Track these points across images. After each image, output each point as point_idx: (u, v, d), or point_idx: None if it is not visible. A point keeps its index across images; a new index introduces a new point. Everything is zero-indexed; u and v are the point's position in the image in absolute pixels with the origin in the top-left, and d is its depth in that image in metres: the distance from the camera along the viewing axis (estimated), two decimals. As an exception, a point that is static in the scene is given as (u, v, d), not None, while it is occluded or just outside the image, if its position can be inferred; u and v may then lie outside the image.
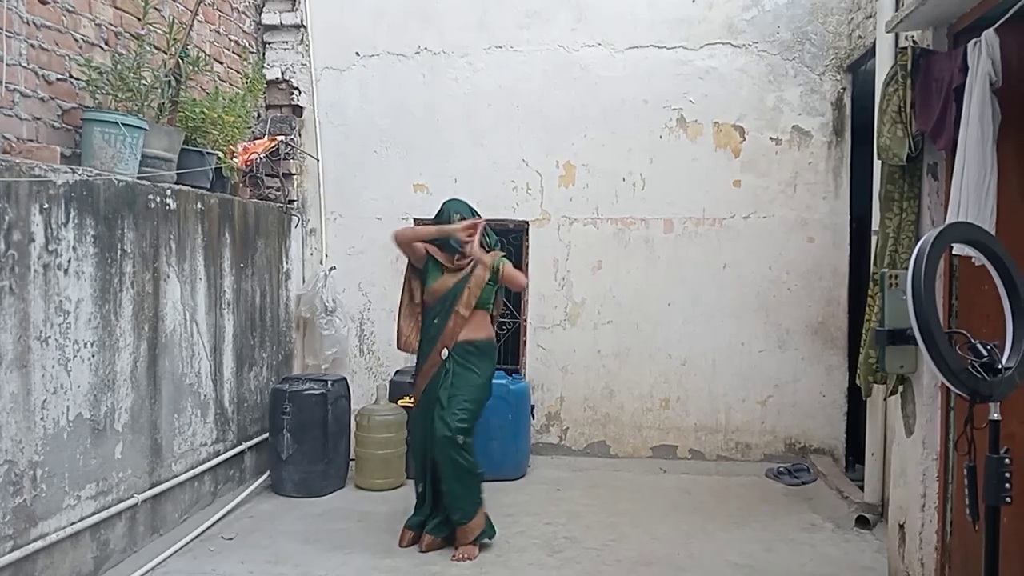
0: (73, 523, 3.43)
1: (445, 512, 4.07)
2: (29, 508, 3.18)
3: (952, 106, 3.04)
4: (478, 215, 4.31)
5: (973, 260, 2.80)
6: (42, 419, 3.25)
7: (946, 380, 1.89)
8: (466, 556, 3.98)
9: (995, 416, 1.94)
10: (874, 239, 3.80)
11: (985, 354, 1.91)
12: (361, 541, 4.21)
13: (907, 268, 1.93)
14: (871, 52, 4.75)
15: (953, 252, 2.44)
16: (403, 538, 4.16)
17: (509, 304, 6.00)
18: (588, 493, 5.05)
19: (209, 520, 4.34)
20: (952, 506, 3.23)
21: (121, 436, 3.78)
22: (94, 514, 3.57)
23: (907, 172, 3.41)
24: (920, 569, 3.29)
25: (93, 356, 3.57)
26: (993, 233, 2.53)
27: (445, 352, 4.12)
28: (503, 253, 4.32)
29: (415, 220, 5.86)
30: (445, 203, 4.36)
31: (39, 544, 3.21)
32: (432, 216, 4.45)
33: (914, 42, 3.46)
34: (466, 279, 4.15)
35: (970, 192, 2.84)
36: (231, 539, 4.21)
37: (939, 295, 3.18)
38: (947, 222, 2.97)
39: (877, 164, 3.91)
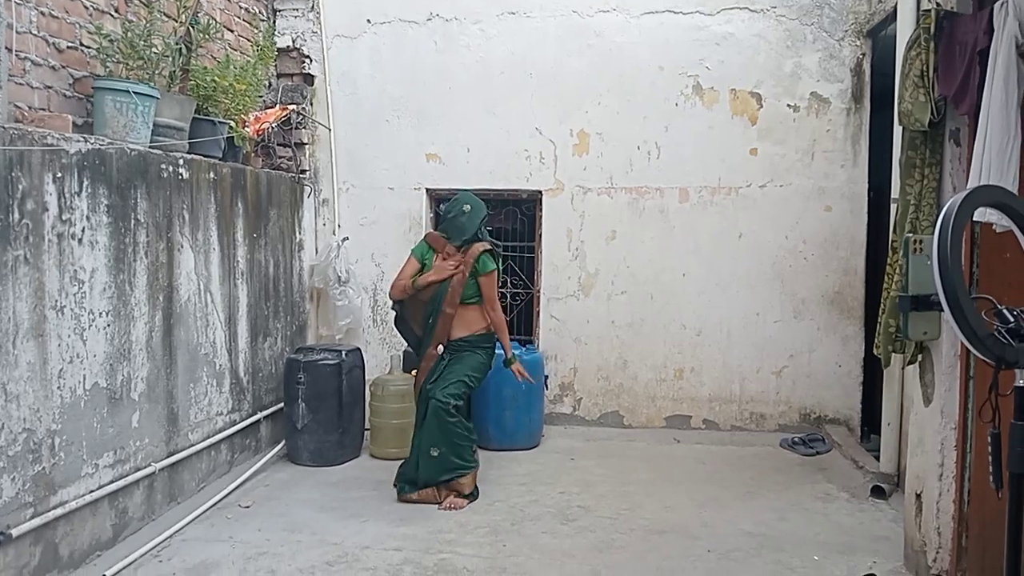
0: (92, 491, 3.47)
1: (431, 472, 4.28)
2: (48, 476, 3.21)
3: (976, 70, 2.96)
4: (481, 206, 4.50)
5: (995, 227, 2.75)
6: (59, 388, 3.27)
7: (971, 346, 1.85)
8: (454, 506, 4.23)
9: (1021, 383, 1.90)
10: (894, 207, 3.73)
11: (1012, 320, 1.87)
12: (376, 509, 4.24)
13: (931, 234, 1.89)
14: (891, 16, 4.65)
15: (974, 219, 2.40)
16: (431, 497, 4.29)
17: (522, 275, 5.99)
18: (602, 463, 5.05)
19: (226, 488, 4.38)
20: (970, 475, 3.21)
21: (138, 405, 3.80)
22: (112, 482, 3.61)
23: (929, 138, 3.34)
24: (937, 538, 3.27)
25: (108, 325, 3.58)
26: (1017, 198, 2.47)
27: (440, 348, 4.40)
28: (486, 247, 4.43)
29: (427, 190, 5.84)
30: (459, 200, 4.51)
31: (59, 511, 3.25)
32: (445, 187, 4.43)
33: (938, 4, 3.37)
34: (448, 280, 4.37)
35: (992, 157, 2.78)
36: (248, 507, 4.25)
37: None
38: (968, 187, 2.92)
39: (897, 131, 3.84)
